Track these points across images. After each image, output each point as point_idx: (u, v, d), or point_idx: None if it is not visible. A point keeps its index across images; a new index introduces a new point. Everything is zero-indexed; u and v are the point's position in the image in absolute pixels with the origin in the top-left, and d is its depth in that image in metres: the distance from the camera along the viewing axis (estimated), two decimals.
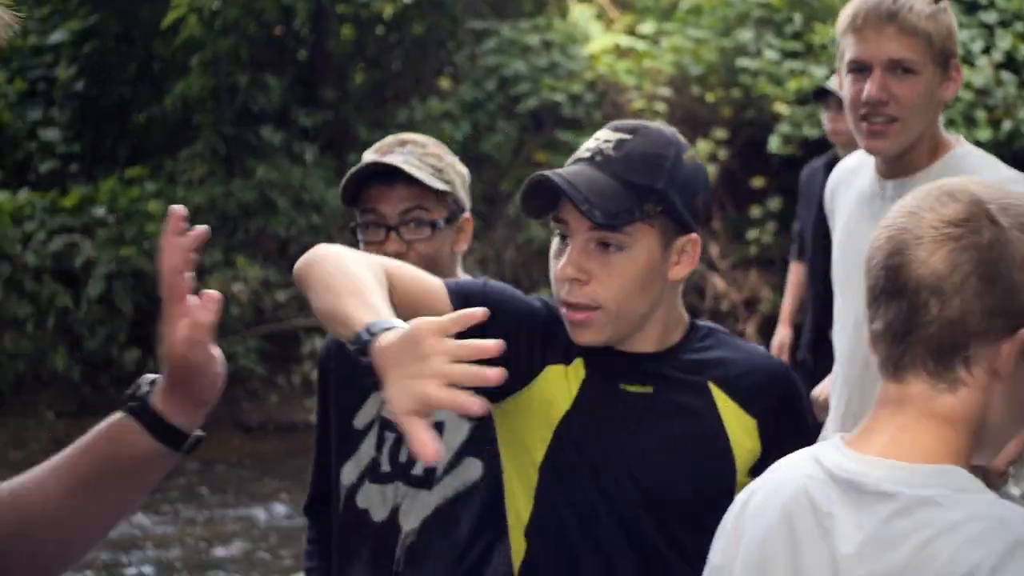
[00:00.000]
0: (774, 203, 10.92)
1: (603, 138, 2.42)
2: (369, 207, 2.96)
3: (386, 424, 2.98)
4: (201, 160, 10.83)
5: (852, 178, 3.33)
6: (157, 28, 10.93)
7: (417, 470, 2.95)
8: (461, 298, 2.39)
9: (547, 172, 2.35)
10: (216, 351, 1.74)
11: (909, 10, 3.06)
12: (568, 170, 2.39)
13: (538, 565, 2.49)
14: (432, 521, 2.93)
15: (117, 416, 1.73)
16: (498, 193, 11.14)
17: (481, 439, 2.93)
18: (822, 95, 6.70)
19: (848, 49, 3.13)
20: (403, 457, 2.97)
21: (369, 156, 2.98)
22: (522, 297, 2.53)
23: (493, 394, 2.46)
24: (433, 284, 2.41)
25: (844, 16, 3.14)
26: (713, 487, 2.43)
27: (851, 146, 6.55)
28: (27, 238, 10.22)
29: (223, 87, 10.93)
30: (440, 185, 2.96)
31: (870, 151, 3.15)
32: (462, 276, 3.04)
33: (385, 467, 2.96)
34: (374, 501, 2.97)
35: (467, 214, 3.05)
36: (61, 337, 10.14)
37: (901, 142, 3.11)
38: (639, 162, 2.38)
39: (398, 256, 2.86)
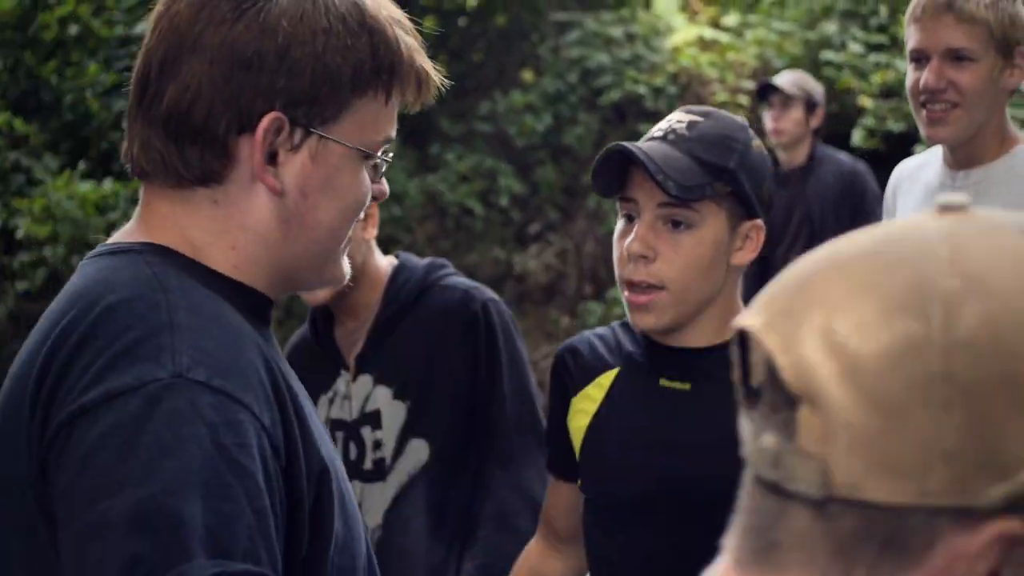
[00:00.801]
0: None
1: (675, 119, 2.41)
2: None
3: (336, 425, 3.02)
4: None
5: (916, 174, 3.30)
6: None
7: (367, 464, 2.98)
8: None
9: (622, 143, 2.33)
10: None
11: None
12: (642, 144, 2.37)
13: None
14: (392, 515, 2.96)
15: None
16: (579, 185, 11.12)
17: (423, 419, 2.95)
18: (764, 92, 6.45)
19: (910, 39, 3.12)
20: (352, 455, 3.00)
21: None
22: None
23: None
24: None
25: (909, 7, 3.13)
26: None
27: (791, 147, 6.40)
28: (111, 228, 10.26)
29: None
30: None
31: (930, 139, 3.12)
32: (394, 261, 3.07)
33: None
34: None
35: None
36: None
37: (962, 128, 3.07)
38: (711, 142, 2.36)
39: None
